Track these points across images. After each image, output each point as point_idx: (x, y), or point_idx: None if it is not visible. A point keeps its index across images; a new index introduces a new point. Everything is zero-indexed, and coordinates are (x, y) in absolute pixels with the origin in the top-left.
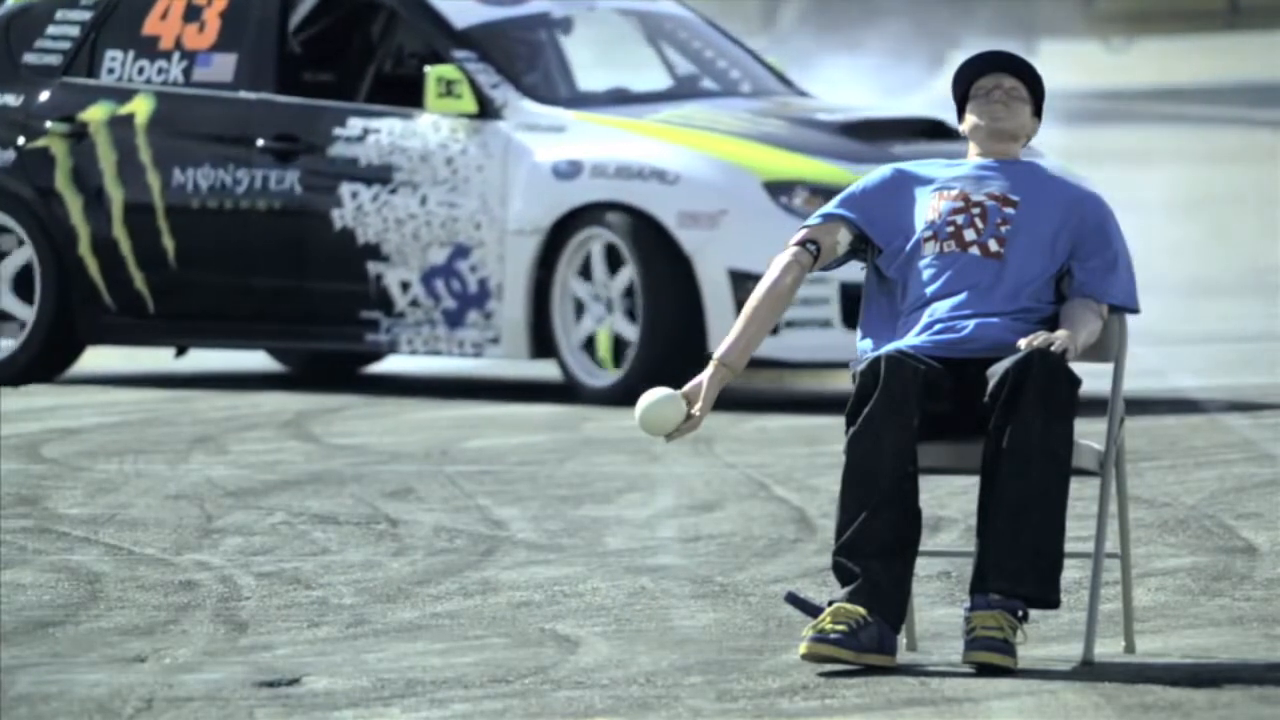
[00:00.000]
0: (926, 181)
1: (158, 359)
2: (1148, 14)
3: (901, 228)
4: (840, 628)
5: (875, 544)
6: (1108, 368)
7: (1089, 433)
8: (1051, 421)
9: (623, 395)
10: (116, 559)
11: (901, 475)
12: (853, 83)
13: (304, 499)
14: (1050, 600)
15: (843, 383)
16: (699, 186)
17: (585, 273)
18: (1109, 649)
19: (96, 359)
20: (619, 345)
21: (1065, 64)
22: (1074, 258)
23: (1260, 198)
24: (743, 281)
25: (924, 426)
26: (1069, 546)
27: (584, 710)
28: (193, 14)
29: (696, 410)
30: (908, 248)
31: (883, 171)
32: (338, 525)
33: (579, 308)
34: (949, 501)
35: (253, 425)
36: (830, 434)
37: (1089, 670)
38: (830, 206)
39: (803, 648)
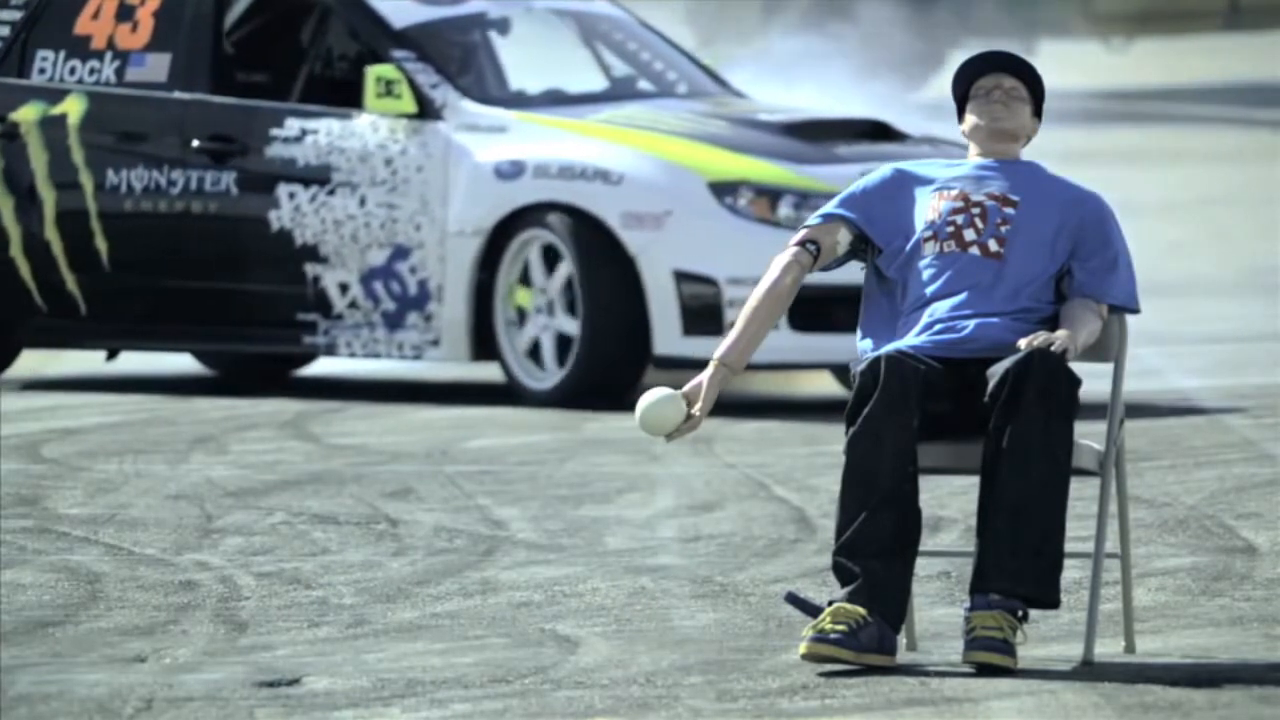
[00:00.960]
0: (926, 181)
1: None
2: (1148, 14)
3: (901, 228)
4: (840, 628)
5: (875, 544)
6: (1108, 368)
7: (1089, 433)
8: (1051, 421)
9: (564, 398)
10: (116, 559)
11: (901, 475)
12: (854, 82)
13: (304, 499)
14: (1050, 600)
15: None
16: (643, 187)
17: (526, 278)
18: (1109, 649)
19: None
20: (562, 344)
21: (1065, 64)
22: (1074, 258)
23: (1260, 198)
24: (687, 282)
25: (924, 426)
26: (1069, 546)
27: (584, 710)
28: (125, 13)
29: (696, 410)
30: (908, 248)
31: (883, 171)
32: (338, 525)
33: (521, 314)
34: (949, 501)
35: (253, 425)
36: (830, 434)
37: (1089, 670)
38: (830, 206)
39: (803, 648)
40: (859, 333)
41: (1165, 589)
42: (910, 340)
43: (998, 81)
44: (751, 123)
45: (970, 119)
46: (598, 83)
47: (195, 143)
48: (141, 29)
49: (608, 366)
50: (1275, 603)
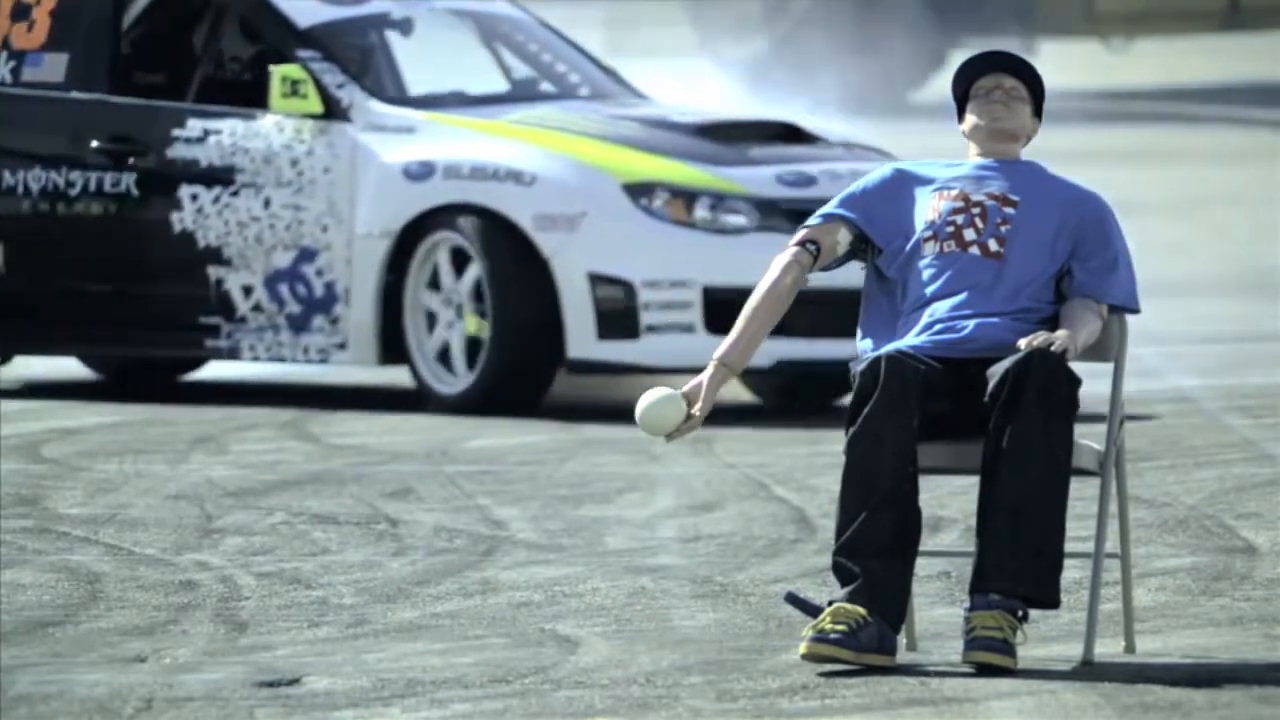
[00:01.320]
0: (926, 181)
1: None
2: (1148, 14)
3: (901, 228)
4: (840, 628)
5: (875, 544)
6: (1108, 368)
7: (1089, 433)
8: (1051, 421)
9: (473, 403)
10: (116, 559)
11: (901, 475)
12: (852, 83)
13: (304, 499)
14: (1050, 600)
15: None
16: (557, 188)
17: (435, 283)
18: (1109, 649)
19: None
20: (472, 347)
21: (1065, 64)
22: (1074, 257)
23: (1260, 198)
24: (602, 285)
25: (924, 426)
26: (1069, 546)
27: (584, 710)
28: (21, 13)
29: (696, 410)
30: (908, 248)
31: (883, 171)
32: (338, 525)
33: (430, 317)
34: (949, 501)
35: (253, 425)
36: (830, 434)
37: (1089, 670)
38: (830, 206)
39: (803, 648)
40: (859, 332)
41: (1165, 589)
42: (910, 340)
43: (998, 81)
44: (664, 124)
45: (970, 119)
46: (499, 84)
47: (94, 143)
48: (38, 29)
49: (518, 371)
50: (1275, 603)
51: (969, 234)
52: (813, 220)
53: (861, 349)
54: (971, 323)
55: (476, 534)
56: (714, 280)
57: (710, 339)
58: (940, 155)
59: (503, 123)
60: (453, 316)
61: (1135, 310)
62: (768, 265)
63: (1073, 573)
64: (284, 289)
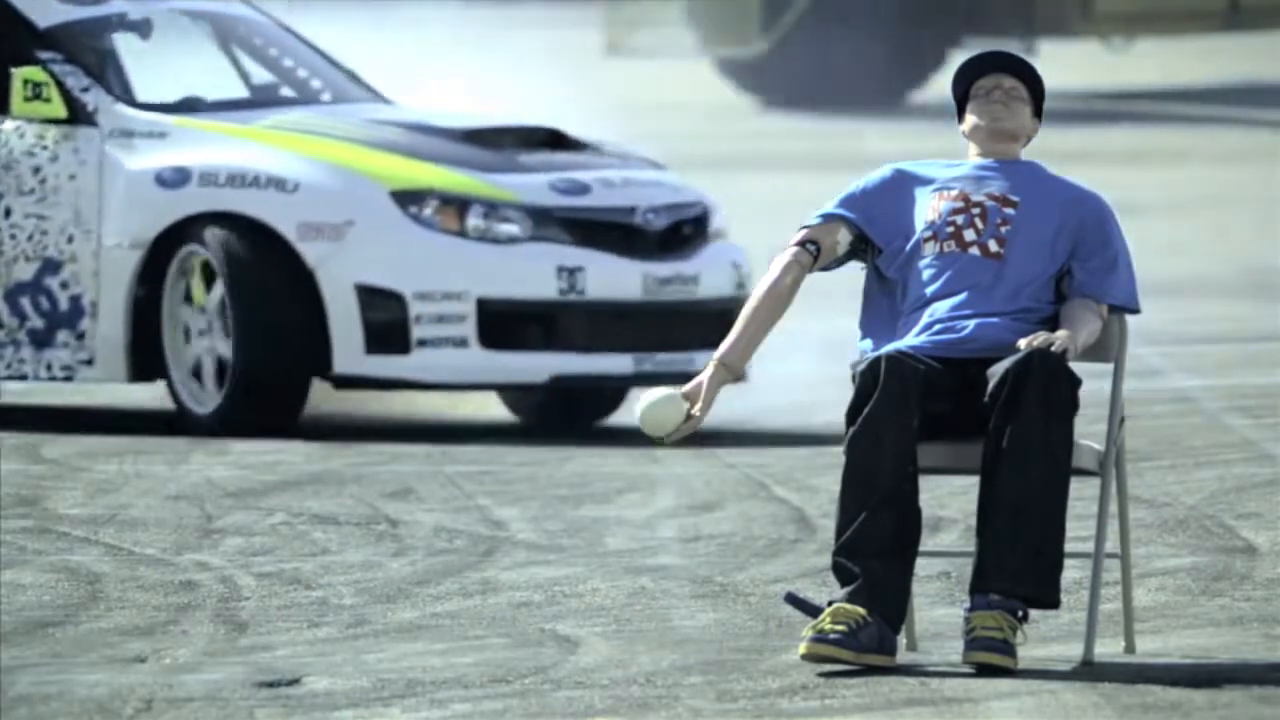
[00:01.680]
0: (926, 182)
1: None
2: (1148, 14)
3: (901, 228)
4: (840, 628)
5: (875, 544)
6: (1108, 368)
7: (1089, 433)
8: (1051, 421)
9: (224, 423)
10: (116, 559)
11: (901, 475)
12: (853, 84)
13: (304, 499)
14: (1050, 600)
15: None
16: (322, 196)
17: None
18: (1109, 649)
19: None
20: (222, 367)
21: (1065, 64)
22: (1074, 258)
23: (1260, 198)
24: (371, 297)
25: (924, 426)
26: (1069, 546)
27: (584, 710)
28: None
29: (696, 410)
30: (908, 248)
31: (883, 172)
32: (338, 525)
33: (189, 332)
34: (949, 501)
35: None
36: (830, 434)
37: (1089, 670)
38: (830, 206)
39: (803, 648)
40: (859, 333)
41: (1165, 589)
42: (910, 340)
43: (998, 81)
44: (428, 129)
45: (970, 119)
46: (237, 89)
47: None
48: None
49: (270, 388)
50: (1275, 603)
51: (969, 234)
52: (813, 220)
53: (861, 349)
54: (971, 323)
55: (476, 534)
56: (488, 292)
57: (485, 354)
58: (940, 155)
59: (259, 127)
60: (207, 330)
61: (1135, 310)
62: (768, 266)
63: (1073, 573)
64: (26, 303)
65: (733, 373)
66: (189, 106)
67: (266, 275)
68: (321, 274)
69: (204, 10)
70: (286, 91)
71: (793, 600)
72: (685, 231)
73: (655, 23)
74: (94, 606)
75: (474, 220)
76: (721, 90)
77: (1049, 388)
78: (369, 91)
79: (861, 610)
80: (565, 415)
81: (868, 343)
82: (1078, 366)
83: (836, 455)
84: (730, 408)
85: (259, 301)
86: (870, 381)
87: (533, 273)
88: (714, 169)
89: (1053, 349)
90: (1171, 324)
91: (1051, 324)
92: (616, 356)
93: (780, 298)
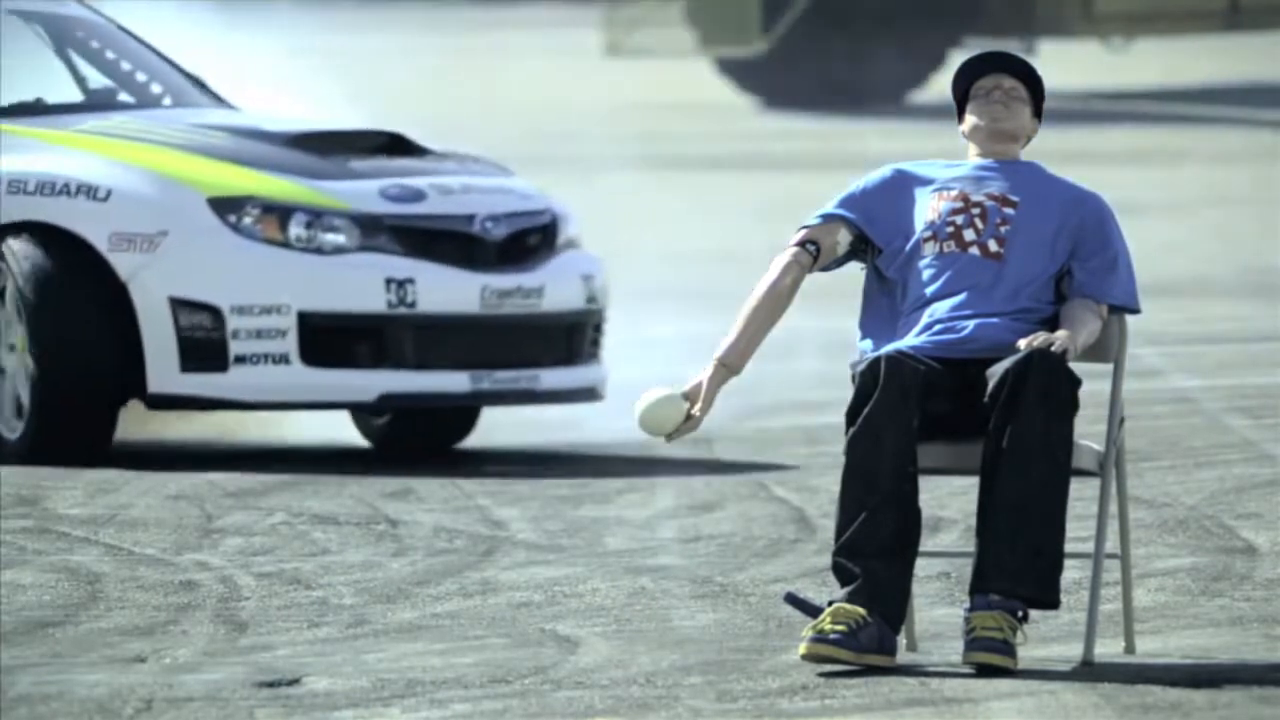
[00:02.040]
0: (926, 182)
1: None
2: (1148, 14)
3: (901, 228)
4: (840, 628)
5: (875, 544)
6: (1108, 368)
7: (1089, 433)
8: (1051, 421)
9: (31, 450)
10: (116, 559)
11: (901, 475)
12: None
13: (304, 499)
14: (1050, 601)
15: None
16: (135, 204)
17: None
18: (1109, 649)
19: None
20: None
21: (1065, 64)
22: (1074, 258)
23: (1260, 198)
24: (186, 311)
25: (924, 426)
26: (1069, 546)
27: (584, 710)
28: None
29: (696, 410)
30: (907, 248)
31: (883, 172)
32: (338, 525)
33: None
34: (949, 501)
35: None
36: (830, 434)
37: (1089, 670)
38: (830, 206)
39: (803, 648)
40: (859, 333)
41: (1165, 589)
42: (910, 340)
43: (997, 82)
44: (255, 134)
45: (970, 119)
46: (72, 93)
47: None
48: None
49: (78, 411)
50: (1275, 603)
51: (969, 234)
52: (813, 220)
53: (861, 349)
54: (971, 323)
55: (476, 534)
56: (310, 305)
57: (307, 371)
58: (940, 155)
59: (73, 132)
60: (15, 349)
61: (1135, 310)
62: (768, 266)
63: (1073, 573)
64: None
65: (733, 372)
66: (19, 111)
67: (74, 289)
68: (134, 287)
69: (36, 11)
70: (125, 97)
71: (793, 600)
72: (531, 242)
73: (655, 23)
74: (94, 606)
75: (296, 229)
76: (721, 90)
77: (1049, 388)
78: (212, 97)
79: (861, 610)
80: (414, 439)
81: (868, 343)
82: (1078, 366)
83: (836, 455)
84: (730, 408)
85: (63, 318)
86: (870, 381)
87: (359, 285)
88: (714, 169)
89: (1053, 349)
90: (1171, 324)
91: (1051, 324)
92: (451, 374)
93: (780, 298)
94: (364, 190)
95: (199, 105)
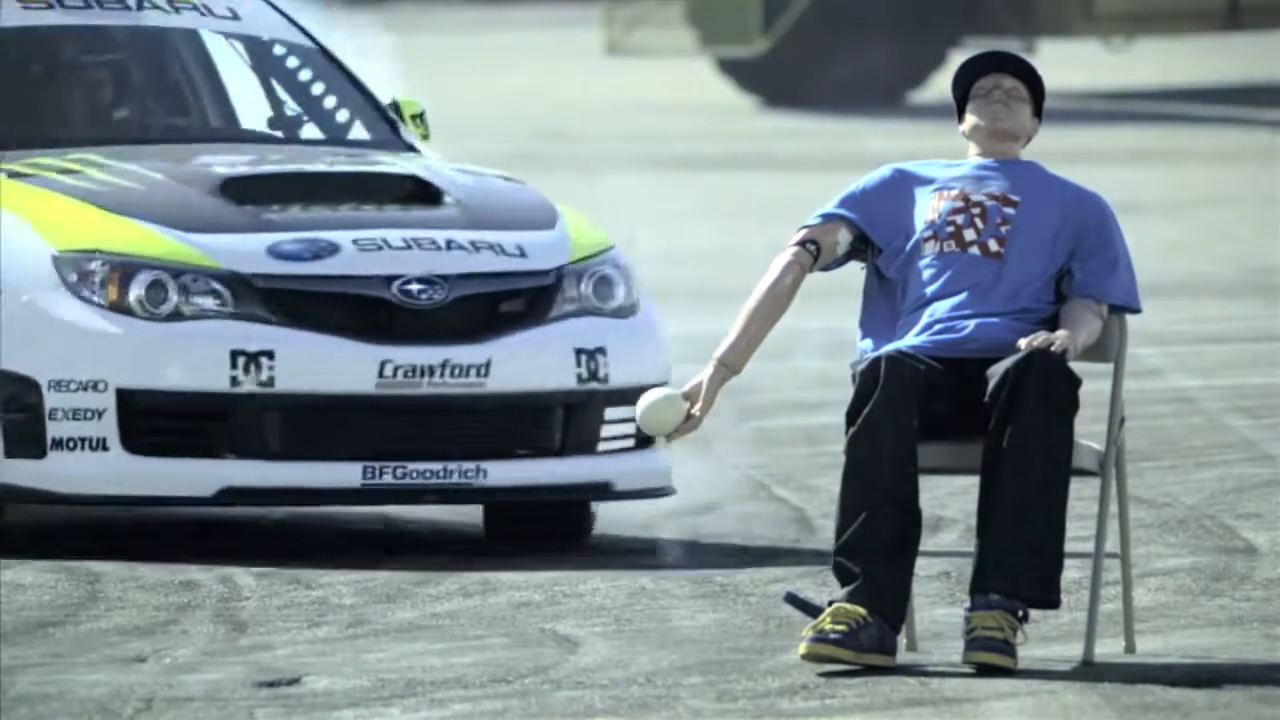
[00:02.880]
0: (926, 181)
1: None
2: (1148, 14)
3: (901, 228)
4: (840, 628)
5: (875, 544)
6: (1108, 368)
7: (1089, 433)
8: (1051, 421)
9: None
10: (116, 559)
11: (901, 475)
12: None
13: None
14: (1050, 600)
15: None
16: None
17: None
18: (1109, 649)
19: None
20: None
21: (1065, 64)
22: (1074, 258)
23: (1260, 198)
24: (6, 385)
25: (924, 426)
26: (1069, 546)
27: (584, 710)
28: None
29: (697, 410)
30: (908, 248)
31: (883, 172)
32: (338, 525)
33: None
34: (949, 501)
35: None
36: (830, 434)
37: (1089, 670)
38: (830, 206)
39: (803, 648)
40: (859, 333)
41: (1165, 589)
42: (910, 340)
43: (998, 81)
44: (192, 179)
45: (970, 119)
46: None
47: None
48: None
49: None
50: (1275, 603)
51: (969, 234)
52: (812, 220)
53: (861, 349)
54: (971, 323)
55: (477, 534)
56: (131, 382)
57: (130, 460)
58: (940, 155)
59: None
60: None
61: (1136, 310)
62: (768, 266)
63: (1073, 573)
64: None
65: (733, 372)
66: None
67: None
68: None
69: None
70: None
71: (793, 600)
72: (504, 309)
73: (655, 22)
74: (94, 606)
75: (137, 291)
76: (721, 90)
77: (1049, 388)
78: (393, 133)
79: (862, 610)
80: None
81: (868, 343)
82: (1078, 366)
83: (836, 455)
84: (731, 407)
85: None
86: (870, 381)
87: (197, 358)
88: (714, 169)
89: (1052, 349)
90: (1171, 324)
91: (1051, 324)
92: (335, 465)
93: (780, 297)
94: (248, 247)
95: (196, 139)
